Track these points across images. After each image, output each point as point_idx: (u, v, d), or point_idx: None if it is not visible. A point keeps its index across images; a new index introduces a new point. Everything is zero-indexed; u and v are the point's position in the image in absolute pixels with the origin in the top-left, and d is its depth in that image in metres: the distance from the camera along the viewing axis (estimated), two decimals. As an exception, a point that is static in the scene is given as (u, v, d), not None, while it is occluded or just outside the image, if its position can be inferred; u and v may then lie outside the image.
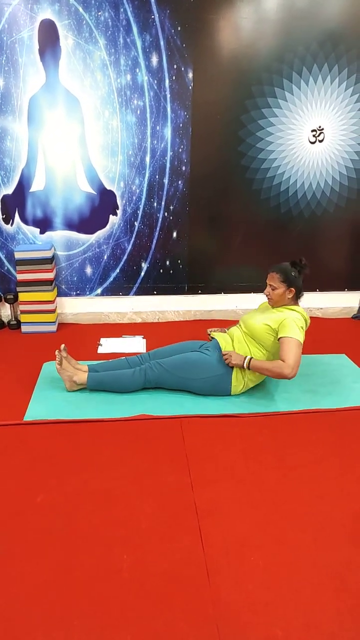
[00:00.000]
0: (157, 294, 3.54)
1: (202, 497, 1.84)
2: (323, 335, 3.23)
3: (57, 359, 2.50)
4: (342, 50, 3.05)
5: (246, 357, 2.40)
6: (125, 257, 3.41)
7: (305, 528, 1.71)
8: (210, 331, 2.73)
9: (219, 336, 2.58)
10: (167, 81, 3.02)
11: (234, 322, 3.53)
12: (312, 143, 3.25)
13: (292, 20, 2.96)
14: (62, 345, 2.56)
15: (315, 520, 1.75)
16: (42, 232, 3.32)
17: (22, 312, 3.31)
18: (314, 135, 3.24)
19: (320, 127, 3.22)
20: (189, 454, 2.08)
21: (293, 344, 2.34)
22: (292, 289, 2.46)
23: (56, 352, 2.51)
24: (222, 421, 2.32)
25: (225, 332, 2.69)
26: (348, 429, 2.29)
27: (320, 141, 3.25)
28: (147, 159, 3.18)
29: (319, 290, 3.66)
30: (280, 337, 2.37)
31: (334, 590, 1.48)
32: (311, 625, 1.38)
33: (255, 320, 2.48)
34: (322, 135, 3.24)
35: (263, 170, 3.28)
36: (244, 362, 2.39)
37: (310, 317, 3.64)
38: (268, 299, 2.53)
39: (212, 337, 2.63)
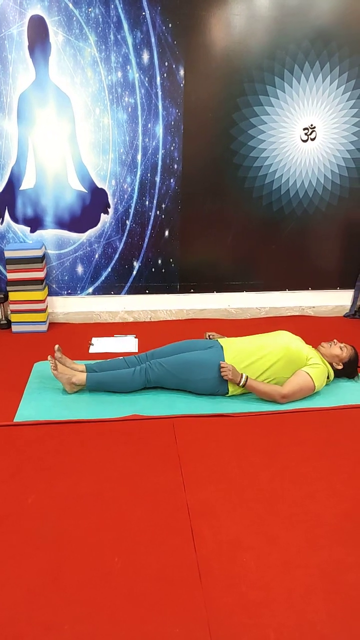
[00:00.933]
0: (149, 293, 3.52)
1: (194, 497, 1.83)
2: (315, 334, 3.22)
3: (51, 364, 2.48)
4: (333, 48, 3.04)
5: (242, 374, 2.40)
6: (116, 256, 3.39)
7: (297, 528, 1.71)
8: (210, 335, 2.72)
9: (224, 341, 2.57)
10: (158, 78, 3.00)
11: (227, 322, 3.55)
12: (304, 141, 3.24)
13: (284, 17, 2.95)
14: (56, 346, 2.54)
15: (306, 520, 1.74)
16: (32, 231, 3.29)
17: (13, 311, 3.28)
18: (305, 134, 3.23)
19: (312, 125, 3.21)
20: (181, 454, 2.07)
21: (304, 380, 2.42)
22: (342, 367, 2.60)
23: (49, 358, 2.49)
24: (214, 421, 2.31)
25: (223, 338, 2.68)
26: (338, 427, 2.29)
27: (312, 139, 3.24)
28: (139, 157, 3.16)
29: (311, 289, 3.66)
30: (300, 370, 2.45)
31: (326, 591, 1.48)
32: (303, 626, 1.38)
33: (293, 342, 2.50)
34: (314, 134, 3.23)
35: (255, 168, 3.27)
36: (240, 380, 2.39)
37: (303, 316, 3.67)
38: (326, 343, 2.63)
39: (215, 340, 2.60)
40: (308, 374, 2.43)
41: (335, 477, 1.95)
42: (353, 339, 3.08)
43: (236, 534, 1.67)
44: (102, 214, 3.28)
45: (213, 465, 2.01)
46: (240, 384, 2.39)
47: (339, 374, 2.64)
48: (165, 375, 2.47)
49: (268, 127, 3.17)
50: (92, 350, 3.02)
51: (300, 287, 3.65)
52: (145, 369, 2.48)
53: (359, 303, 3.69)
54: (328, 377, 2.56)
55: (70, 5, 2.80)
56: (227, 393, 2.49)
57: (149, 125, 3.09)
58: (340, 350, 2.59)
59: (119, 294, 3.50)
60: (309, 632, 1.36)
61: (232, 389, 2.47)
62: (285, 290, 3.64)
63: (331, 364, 2.59)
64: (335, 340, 2.64)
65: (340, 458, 2.07)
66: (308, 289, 3.66)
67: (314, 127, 3.21)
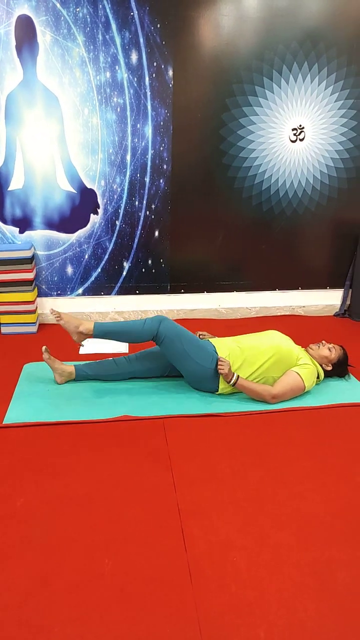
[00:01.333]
0: (139, 294, 3.52)
1: (184, 498, 1.83)
2: (306, 333, 3.24)
3: (44, 356, 2.54)
4: (321, 49, 3.06)
5: (234, 374, 2.40)
6: (106, 256, 3.38)
7: (287, 527, 1.71)
8: (200, 334, 2.72)
9: (215, 341, 2.57)
10: (147, 79, 2.99)
11: (218, 322, 3.55)
12: (293, 142, 3.26)
13: (272, 18, 2.96)
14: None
15: (296, 519, 1.75)
16: (21, 232, 3.27)
17: (2, 312, 3.26)
18: (294, 134, 3.24)
19: (300, 125, 3.22)
20: (172, 455, 2.06)
21: (294, 380, 2.43)
22: (332, 368, 2.62)
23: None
24: (204, 421, 2.31)
25: (214, 337, 2.68)
26: (328, 426, 2.30)
27: (301, 140, 3.26)
28: (128, 157, 3.15)
29: (302, 289, 3.68)
30: (290, 370, 2.46)
31: (316, 590, 1.49)
32: (293, 625, 1.38)
33: (283, 342, 2.51)
34: (302, 134, 3.25)
35: (245, 168, 3.28)
36: (231, 378, 2.39)
37: (293, 315, 3.69)
38: (315, 345, 2.63)
39: (207, 340, 2.61)
40: (298, 374, 2.44)
41: (325, 476, 1.96)
42: (343, 338, 3.10)
43: (227, 534, 1.67)
44: (91, 215, 3.27)
45: (204, 465, 2.01)
46: (231, 382, 2.39)
47: (329, 374, 2.65)
48: (174, 339, 2.39)
49: (257, 127, 3.18)
50: (82, 351, 3.01)
51: (290, 287, 3.67)
52: (160, 320, 2.41)
53: (348, 302, 3.72)
54: (318, 377, 2.57)
55: (58, 5, 2.79)
56: (217, 390, 2.49)
57: (138, 125, 3.09)
58: (329, 351, 2.60)
59: (109, 294, 3.49)
60: (299, 630, 1.37)
61: (222, 387, 2.47)
62: (275, 290, 3.66)
63: (320, 365, 2.60)
64: (323, 342, 2.65)
65: (330, 457, 2.08)
66: (298, 289, 3.68)
67: (303, 128, 3.23)
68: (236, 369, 2.44)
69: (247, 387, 2.41)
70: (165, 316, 2.48)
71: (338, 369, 2.64)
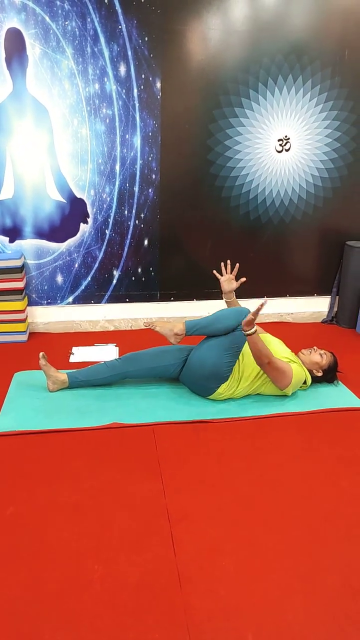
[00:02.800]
0: (129, 302, 3.54)
1: (174, 504, 1.84)
2: (294, 340, 3.28)
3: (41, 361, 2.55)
4: (305, 62, 3.13)
5: (257, 329, 2.32)
6: (96, 265, 3.41)
7: (275, 531, 1.73)
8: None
9: None
10: (135, 90, 3.04)
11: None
12: (279, 152, 3.32)
13: (258, 31, 3.03)
14: (41, 354, 2.54)
15: (284, 523, 1.77)
16: (11, 241, 3.29)
17: (-8, 321, 3.26)
18: (280, 145, 3.31)
19: (286, 136, 3.29)
20: (162, 461, 2.08)
21: (288, 368, 2.44)
22: (322, 374, 2.65)
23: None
24: (194, 427, 2.33)
25: None
26: (315, 431, 2.33)
27: (287, 150, 3.32)
28: (117, 167, 3.19)
29: (289, 296, 3.72)
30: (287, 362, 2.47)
31: (303, 593, 1.51)
32: (281, 627, 1.40)
33: (275, 346, 2.54)
34: (288, 145, 3.31)
35: (232, 178, 3.33)
36: (252, 330, 2.27)
37: (281, 323, 3.73)
38: (307, 350, 2.66)
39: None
40: (292, 367, 2.47)
41: (313, 481, 1.99)
42: (331, 344, 3.15)
43: (216, 539, 1.69)
44: (81, 224, 3.29)
45: (193, 471, 2.03)
46: (250, 331, 2.29)
47: (318, 380, 2.69)
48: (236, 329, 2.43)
49: (244, 138, 3.24)
50: (72, 359, 3.02)
51: (278, 294, 3.72)
52: (245, 313, 2.42)
53: (335, 309, 3.77)
54: (305, 383, 2.60)
55: (47, 19, 2.83)
56: (213, 393, 2.51)
57: (127, 136, 3.13)
58: (320, 357, 2.63)
59: (99, 302, 3.51)
60: (286, 633, 1.39)
61: (219, 391, 2.49)
62: (263, 297, 3.69)
63: (311, 372, 2.63)
64: (315, 347, 2.68)
65: (317, 462, 2.11)
66: (286, 296, 3.72)
67: (288, 138, 3.30)
68: (240, 375, 2.49)
69: (257, 342, 2.31)
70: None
71: (328, 375, 2.68)
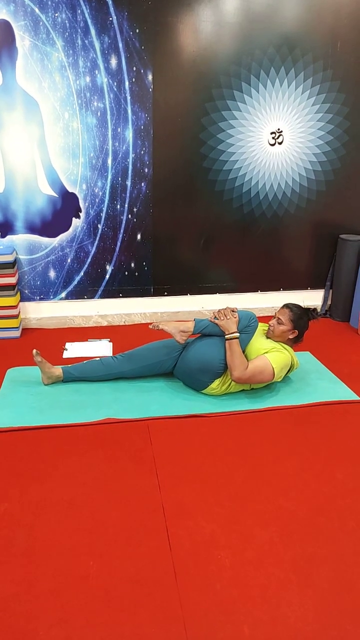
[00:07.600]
0: (122, 297, 3.52)
1: (169, 498, 1.84)
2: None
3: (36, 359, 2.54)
4: (298, 55, 3.11)
5: (234, 333, 2.39)
6: (89, 260, 3.38)
7: (270, 525, 1.74)
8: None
9: None
10: (127, 83, 3.01)
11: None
12: (272, 145, 3.31)
13: (250, 24, 3.01)
14: (35, 351, 2.52)
15: (279, 516, 1.77)
16: (3, 236, 3.26)
17: (-16, 318, 3.23)
18: (273, 138, 3.29)
19: (279, 129, 3.28)
20: (156, 456, 2.08)
21: (264, 364, 2.41)
22: (297, 331, 2.55)
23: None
24: (188, 422, 2.33)
25: None
26: (309, 424, 2.34)
27: (280, 143, 3.31)
28: (109, 161, 3.16)
29: (283, 290, 3.72)
30: (261, 355, 2.45)
31: (299, 585, 1.51)
32: (277, 620, 1.41)
33: (251, 345, 2.52)
34: (281, 138, 3.30)
35: (225, 171, 3.31)
36: (229, 334, 2.38)
37: (275, 316, 3.73)
38: (269, 329, 2.59)
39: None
40: (267, 360, 2.43)
41: (307, 474, 2.00)
42: (324, 337, 3.15)
43: (211, 533, 1.69)
44: (73, 218, 3.27)
45: (188, 465, 2.03)
46: (230, 335, 2.38)
47: (301, 337, 2.59)
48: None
49: (236, 131, 3.22)
50: (65, 355, 3.00)
51: (272, 288, 3.71)
52: (251, 315, 2.51)
53: (329, 302, 3.78)
54: (292, 367, 2.57)
55: (37, 10, 2.79)
56: (207, 386, 2.51)
57: (119, 129, 3.10)
58: (279, 325, 2.54)
59: (93, 298, 3.49)
60: (282, 626, 1.39)
61: (212, 385, 2.49)
62: (257, 291, 3.70)
63: (288, 340, 2.56)
64: (271, 321, 2.61)
65: (311, 455, 2.12)
66: (280, 290, 3.72)
67: (281, 131, 3.28)
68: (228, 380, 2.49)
69: (235, 351, 2.38)
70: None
71: (302, 326, 2.57)
